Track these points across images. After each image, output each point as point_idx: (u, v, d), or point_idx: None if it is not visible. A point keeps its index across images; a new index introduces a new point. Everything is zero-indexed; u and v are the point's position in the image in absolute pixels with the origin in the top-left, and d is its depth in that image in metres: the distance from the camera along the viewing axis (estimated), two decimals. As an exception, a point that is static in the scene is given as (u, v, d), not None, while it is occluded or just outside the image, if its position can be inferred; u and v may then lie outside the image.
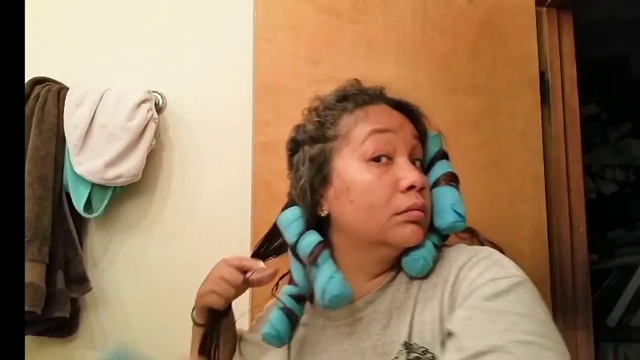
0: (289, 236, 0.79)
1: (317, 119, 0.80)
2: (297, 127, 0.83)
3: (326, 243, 0.76)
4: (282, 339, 0.78)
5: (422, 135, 0.81)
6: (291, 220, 0.79)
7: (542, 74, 1.42)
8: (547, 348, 0.58)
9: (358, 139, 0.76)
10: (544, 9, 1.46)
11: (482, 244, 0.77)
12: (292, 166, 0.82)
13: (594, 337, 1.36)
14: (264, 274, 0.82)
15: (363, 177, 0.74)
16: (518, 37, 1.40)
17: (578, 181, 1.41)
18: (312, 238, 0.76)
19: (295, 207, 0.80)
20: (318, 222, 0.78)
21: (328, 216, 0.78)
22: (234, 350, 0.93)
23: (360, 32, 1.36)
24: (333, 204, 0.76)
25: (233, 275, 0.83)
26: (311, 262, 0.75)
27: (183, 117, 1.48)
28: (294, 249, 0.78)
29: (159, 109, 1.43)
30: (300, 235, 0.77)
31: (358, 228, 0.75)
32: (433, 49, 1.37)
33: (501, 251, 0.73)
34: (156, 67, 1.50)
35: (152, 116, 1.38)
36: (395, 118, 0.79)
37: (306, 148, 0.79)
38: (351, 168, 0.75)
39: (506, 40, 1.39)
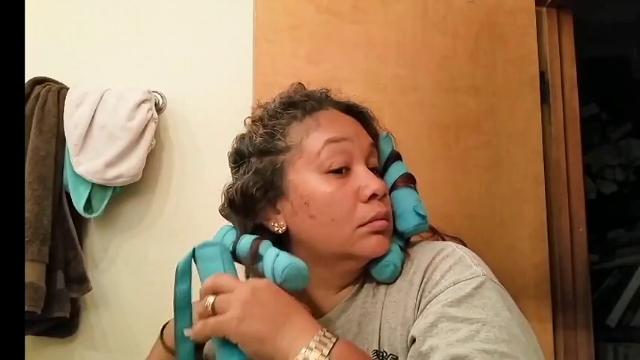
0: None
1: (264, 130, 0.75)
2: (242, 138, 0.78)
3: (263, 238, 0.72)
4: None
5: (375, 139, 0.78)
6: (221, 236, 0.75)
7: (542, 74, 1.42)
8: (509, 355, 0.56)
9: (313, 150, 0.71)
10: (544, 9, 1.46)
11: (444, 240, 0.75)
12: (234, 178, 0.78)
13: (594, 337, 1.36)
14: None
15: (323, 190, 0.70)
16: (518, 37, 1.40)
17: (578, 181, 1.41)
18: (247, 237, 0.72)
19: (224, 226, 0.77)
20: (277, 239, 0.74)
21: (287, 233, 0.73)
22: None
23: (360, 32, 1.36)
24: (292, 219, 0.72)
25: None
26: (254, 256, 0.70)
27: (183, 117, 1.48)
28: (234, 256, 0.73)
29: (159, 109, 1.43)
30: (235, 242, 0.73)
31: (321, 243, 0.71)
32: (433, 49, 1.37)
33: (463, 244, 0.72)
34: (156, 67, 1.50)
35: (152, 116, 1.38)
36: (348, 124, 0.75)
37: (252, 160, 0.74)
38: (308, 181, 0.71)
39: (506, 40, 1.39)
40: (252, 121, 0.79)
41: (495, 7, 1.40)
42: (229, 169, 0.78)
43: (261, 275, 0.70)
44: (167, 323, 0.85)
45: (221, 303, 0.64)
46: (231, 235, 0.75)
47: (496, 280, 0.66)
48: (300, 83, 0.82)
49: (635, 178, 2.52)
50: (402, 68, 1.35)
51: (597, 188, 2.50)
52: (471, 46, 1.38)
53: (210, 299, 0.64)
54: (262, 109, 0.79)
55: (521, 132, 1.37)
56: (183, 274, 0.73)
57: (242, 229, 0.75)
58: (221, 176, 1.46)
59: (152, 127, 1.38)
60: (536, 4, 1.43)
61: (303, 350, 0.59)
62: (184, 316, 0.72)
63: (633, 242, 2.27)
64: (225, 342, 0.63)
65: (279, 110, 0.76)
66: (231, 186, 0.77)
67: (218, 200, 1.47)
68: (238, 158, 0.78)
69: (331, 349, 0.59)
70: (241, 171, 0.76)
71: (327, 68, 1.32)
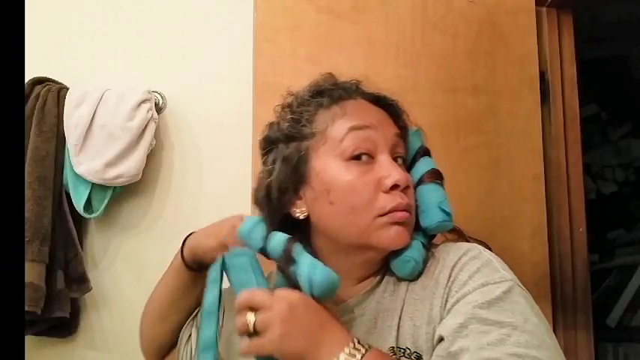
0: (254, 244, 0.74)
1: (291, 116, 0.76)
2: (271, 125, 0.79)
3: (296, 238, 0.72)
4: None
5: (402, 131, 0.77)
6: (251, 228, 0.75)
7: (542, 74, 1.42)
8: None
9: (336, 136, 0.72)
10: (544, 9, 1.46)
11: (469, 242, 0.74)
12: (265, 165, 0.78)
13: (594, 337, 1.36)
14: None
15: (344, 177, 0.70)
16: (518, 37, 1.40)
17: (578, 181, 1.41)
18: (280, 236, 0.72)
19: (252, 217, 0.77)
20: (296, 225, 0.74)
21: (308, 219, 0.73)
22: None
23: (360, 32, 1.36)
24: (312, 206, 0.73)
25: None
26: (286, 260, 0.69)
27: (183, 117, 1.48)
28: (265, 254, 0.73)
29: (159, 109, 1.43)
30: (265, 238, 0.73)
31: (340, 231, 0.71)
32: (433, 49, 1.37)
33: (488, 247, 0.72)
34: (156, 67, 1.50)
35: (152, 116, 1.38)
36: (374, 113, 0.75)
37: (280, 146, 0.75)
38: (330, 168, 0.71)
39: (506, 40, 1.39)
40: (282, 108, 0.80)
41: (495, 7, 1.40)
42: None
43: (293, 278, 0.69)
44: (189, 235, 0.89)
45: (262, 323, 0.64)
46: (261, 230, 0.74)
47: (523, 287, 0.66)
48: (330, 73, 0.82)
49: (635, 178, 2.52)
50: (402, 68, 1.35)
51: (597, 188, 2.50)
52: (470, 46, 1.38)
53: (251, 318, 0.65)
54: (292, 96, 0.80)
55: (521, 132, 1.37)
56: (213, 283, 0.74)
57: (272, 220, 0.74)
58: (221, 176, 1.48)
59: (152, 127, 1.38)
60: (536, 4, 1.43)
61: None
62: (211, 322, 0.72)
63: (633, 242, 2.28)
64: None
65: (307, 98, 0.77)
66: (262, 172, 0.77)
67: (218, 200, 1.47)
68: (267, 144, 0.78)
69: (361, 359, 0.60)
70: (270, 158, 0.77)
71: (327, 68, 1.30)
